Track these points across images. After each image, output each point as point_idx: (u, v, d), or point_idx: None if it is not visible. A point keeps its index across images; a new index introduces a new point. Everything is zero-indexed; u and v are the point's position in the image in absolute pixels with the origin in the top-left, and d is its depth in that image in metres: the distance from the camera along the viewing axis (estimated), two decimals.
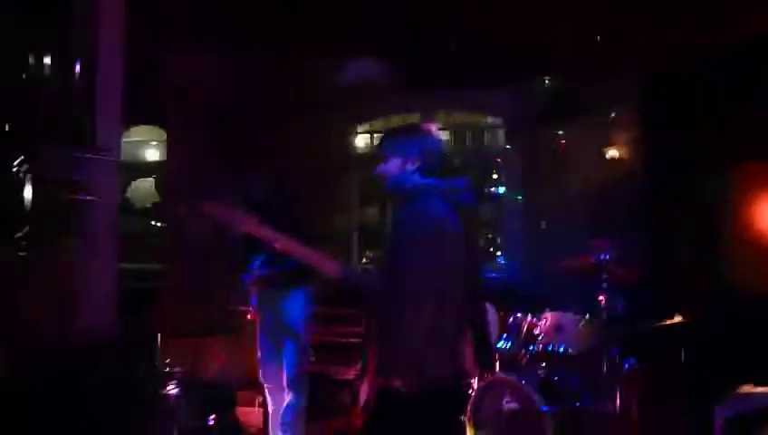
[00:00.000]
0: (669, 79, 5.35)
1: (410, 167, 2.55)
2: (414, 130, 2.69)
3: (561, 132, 6.21)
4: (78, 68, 2.72)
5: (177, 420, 2.56)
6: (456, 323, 2.48)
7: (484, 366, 2.76)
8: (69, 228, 2.63)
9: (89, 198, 2.63)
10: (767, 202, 4.66)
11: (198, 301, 5.27)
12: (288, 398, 3.87)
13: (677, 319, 3.79)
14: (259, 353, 4.00)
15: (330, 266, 3.38)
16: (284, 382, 3.89)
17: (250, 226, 3.13)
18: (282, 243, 3.26)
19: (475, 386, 3.98)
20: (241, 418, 4.66)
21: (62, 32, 2.72)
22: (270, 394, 4.02)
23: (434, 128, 2.70)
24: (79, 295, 2.78)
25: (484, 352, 2.69)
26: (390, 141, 2.66)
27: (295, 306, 3.88)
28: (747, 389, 3.67)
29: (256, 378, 4.13)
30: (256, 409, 4.62)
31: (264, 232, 3.15)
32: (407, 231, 2.46)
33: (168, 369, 3.01)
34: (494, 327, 3.94)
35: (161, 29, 4.78)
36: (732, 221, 4.84)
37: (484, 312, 2.75)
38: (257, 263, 3.82)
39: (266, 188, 3.92)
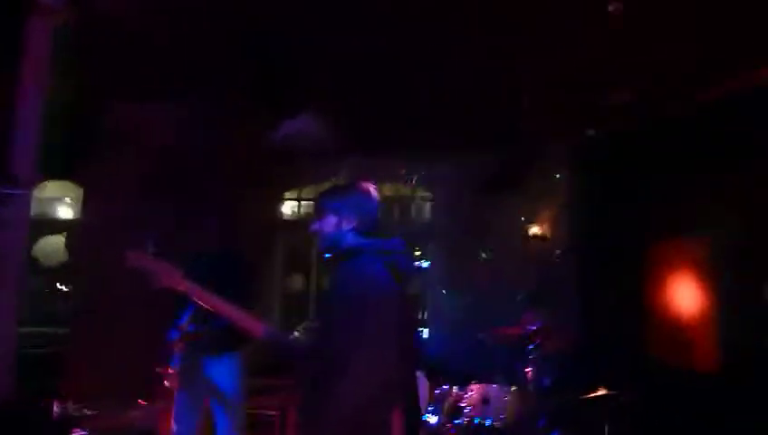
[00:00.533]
0: (599, 153, 5.57)
1: (346, 226, 2.49)
2: (351, 189, 2.62)
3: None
4: None
5: None
6: (391, 390, 2.37)
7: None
8: None
9: None
10: (686, 280, 4.83)
11: (109, 366, 4.91)
12: None
13: (601, 392, 3.81)
14: (175, 427, 3.61)
15: (256, 327, 3.24)
16: None
17: (173, 279, 2.96)
18: (206, 299, 3.10)
19: None
20: None
21: None
22: None
23: (371, 187, 2.65)
24: None
25: (414, 422, 2.58)
26: (327, 199, 2.60)
27: (229, 373, 3.63)
28: None
29: None
30: None
31: (188, 287, 2.99)
32: (341, 292, 2.37)
33: (75, 413, 2.66)
34: (424, 397, 3.83)
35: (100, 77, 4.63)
36: (653, 297, 4.99)
37: (416, 377, 2.65)
38: (186, 318, 3.56)
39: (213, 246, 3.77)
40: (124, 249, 3.12)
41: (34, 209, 7.79)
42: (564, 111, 5.22)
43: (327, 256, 2.57)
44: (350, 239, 2.46)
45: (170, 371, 3.38)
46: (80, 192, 7.01)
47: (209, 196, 5.08)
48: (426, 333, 7.07)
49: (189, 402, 3.65)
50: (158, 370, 3.42)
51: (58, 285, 7.89)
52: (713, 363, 4.42)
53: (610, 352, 4.50)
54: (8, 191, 2.58)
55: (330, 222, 2.51)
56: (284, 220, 7.21)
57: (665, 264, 4.96)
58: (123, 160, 5.25)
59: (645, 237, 5.02)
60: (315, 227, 2.56)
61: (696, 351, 4.58)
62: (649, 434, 4.00)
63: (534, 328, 4.01)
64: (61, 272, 7.79)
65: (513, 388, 3.95)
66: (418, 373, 2.79)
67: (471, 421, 3.89)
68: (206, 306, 3.15)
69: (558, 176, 6.21)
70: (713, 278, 4.56)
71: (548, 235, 6.24)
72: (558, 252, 5.85)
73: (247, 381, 3.76)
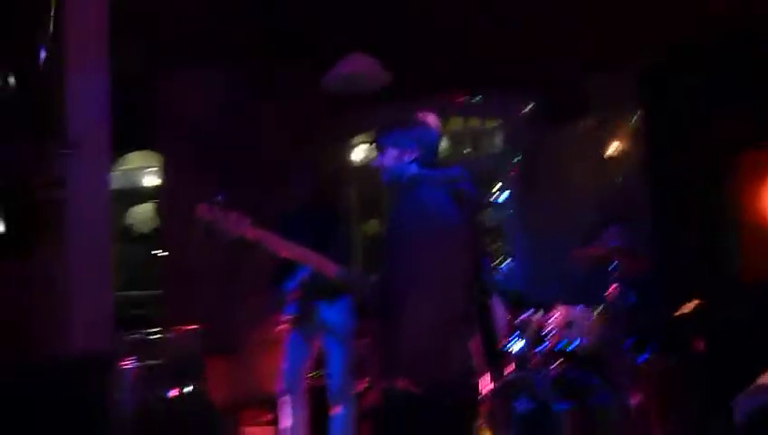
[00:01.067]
0: (668, 72, 5.31)
1: (407, 158, 2.49)
2: (410, 121, 2.61)
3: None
4: (43, 55, 2.65)
5: (135, 391, 2.42)
6: (462, 318, 2.37)
7: (493, 363, 2.64)
8: (46, 230, 2.55)
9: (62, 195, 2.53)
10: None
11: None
12: (337, 409, 3.79)
13: (692, 306, 3.68)
14: (285, 363, 3.86)
15: (328, 268, 3.34)
16: (304, 395, 3.81)
17: (243, 228, 3.06)
18: (277, 245, 3.20)
19: (486, 386, 3.87)
20: None
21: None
22: (289, 407, 3.88)
23: (431, 118, 2.63)
24: (68, 306, 2.68)
25: (493, 347, 2.59)
26: (387, 133, 2.60)
27: (340, 314, 3.78)
28: (766, 379, 3.55)
29: (261, 396, 4.02)
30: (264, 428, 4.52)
31: (258, 234, 3.09)
32: (405, 223, 2.38)
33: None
34: (502, 323, 3.81)
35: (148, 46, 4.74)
36: (736, 209, 4.77)
37: (491, 306, 2.64)
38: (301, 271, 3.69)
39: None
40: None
41: (122, 181, 8.23)
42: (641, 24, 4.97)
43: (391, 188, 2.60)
44: (412, 171, 2.47)
45: (285, 317, 3.57)
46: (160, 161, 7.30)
47: (274, 155, 5.17)
48: (507, 263, 7.03)
49: (300, 342, 3.83)
50: (272, 317, 3.62)
51: (153, 251, 8.32)
52: None
53: (695, 270, 4.33)
54: (67, 151, 2.69)
55: (391, 155, 2.53)
56: (355, 166, 7.24)
57: (744, 177, 4.73)
58: (186, 128, 5.39)
59: (722, 152, 4.79)
60: (377, 161, 2.58)
61: None
62: (744, 351, 3.83)
63: (615, 246, 3.89)
64: (154, 238, 8.20)
65: (598, 309, 3.88)
66: (494, 300, 2.78)
67: (555, 345, 3.86)
68: (278, 252, 3.27)
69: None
70: None
71: (623, 156, 6.00)
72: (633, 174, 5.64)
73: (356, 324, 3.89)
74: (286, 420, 3.90)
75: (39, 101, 2.70)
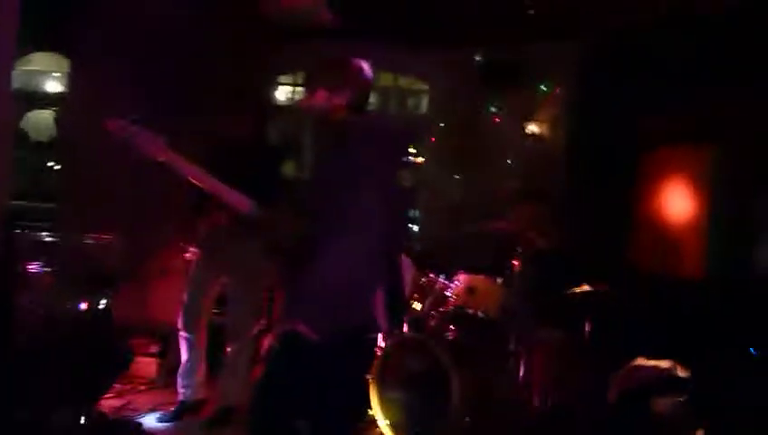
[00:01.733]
0: (607, 55, 5.38)
1: (338, 101, 2.39)
2: (344, 62, 2.50)
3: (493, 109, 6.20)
4: None
5: (44, 301, 2.27)
6: (371, 270, 2.34)
7: (395, 321, 2.63)
8: None
9: None
10: (678, 188, 4.80)
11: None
12: (231, 348, 3.76)
13: (585, 288, 3.84)
14: (186, 297, 3.75)
15: (242, 204, 3.21)
16: (203, 330, 3.74)
17: (156, 149, 2.87)
18: (190, 172, 3.04)
19: (382, 344, 3.92)
20: (134, 367, 4.41)
21: None
22: (186, 342, 3.80)
23: (365, 64, 2.52)
24: None
25: (397, 305, 2.57)
26: (319, 72, 2.48)
27: (250, 252, 3.58)
28: (640, 361, 3.79)
29: (152, 325, 3.89)
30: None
31: (171, 157, 2.91)
32: (330, 169, 2.30)
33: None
34: (408, 279, 3.86)
35: None
36: (643, 203, 4.98)
37: (400, 263, 2.62)
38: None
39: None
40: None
41: (21, 82, 7.62)
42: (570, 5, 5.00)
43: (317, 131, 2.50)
44: (340, 115, 2.38)
45: (192, 250, 3.41)
46: (67, 65, 6.79)
47: (199, 79, 4.91)
48: (417, 225, 7.11)
49: (204, 277, 3.73)
50: (180, 244, 3.45)
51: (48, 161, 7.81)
52: (697, 271, 4.47)
53: (596, 255, 4.52)
54: None
55: (321, 97, 2.41)
56: (278, 106, 7.04)
57: (659, 173, 4.94)
58: (108, 33, 5.01)
59: (641, 145, 4.96)
60: (305, 101, 2.46)
61: (681, 258, 4.62)
62: (626, 335, 4.07)
63: (523, 224, 3.99)
64: (50, 147, 7.69)
65: (500, 280, 3.98)
66: (403, 258, 2.77)
67: (455, 310, 3.94)
68: (190, 179, 3.11)
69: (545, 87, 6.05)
70: (704, 191, 4.54)
71: (545, 134, 6.14)
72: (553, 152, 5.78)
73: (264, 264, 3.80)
74: (183, 355, 3.82)
75: None
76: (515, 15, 5.15)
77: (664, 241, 4.77)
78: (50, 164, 7.74)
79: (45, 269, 2.19)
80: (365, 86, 2.46)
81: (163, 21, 4.92)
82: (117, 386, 4.24)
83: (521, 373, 3.79)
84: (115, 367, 3.64)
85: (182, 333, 3.79)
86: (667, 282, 4.52)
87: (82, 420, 2.24)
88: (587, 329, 3.86)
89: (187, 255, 3.72)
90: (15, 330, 2.23)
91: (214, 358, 3.92)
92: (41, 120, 7.97)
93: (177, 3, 4.83)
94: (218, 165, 3.09)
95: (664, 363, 3.38)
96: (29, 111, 7.94)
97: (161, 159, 2.96)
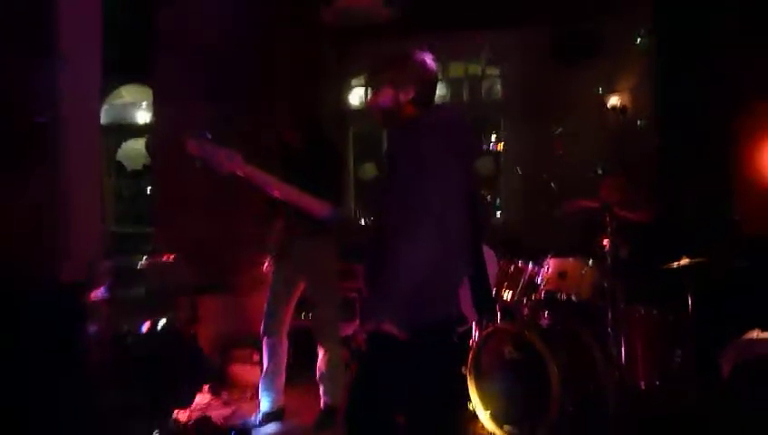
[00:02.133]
0: (677, 17, 5.11)
1: (403, 98, 2.38)
2: (406, 58, 2.47)
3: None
4: None
5: (106, 324, 2.39)
6: (453, 263, 2.32)
7: (484, 312, 2.59)
8: (31, 152, 2.44)
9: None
10: None
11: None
12: (321, 352, 3.80)
13: (684, 261, 3.65)
14: (266, 304, 3.84)
15: (321, 210, 3.27)
16: (284, 337, 3.80)
17: (234, 164, 2.97)
18: (268, 183, 3.13)
19: (476, 335, 3.88)
20: (237, 376, 4.59)
21: None
22: (268, 349, 3.87)
23: (428, 57, 2.49)
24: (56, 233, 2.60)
25: (484, 296, 2.53)
26: (381, 71, 2.48)
27: (326, 254, 3.75)
28: (754, 334, 3.56)
29: (252, 335, 4.01)
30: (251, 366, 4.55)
31: (249, 171, 3.00)
32: (402, 164, 2.29)
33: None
34: (493, 271, 3.79)
35: None
36: (744, 164, 4.68)
37: (483, 254, 2.58)
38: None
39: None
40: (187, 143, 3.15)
41: (113, 115, 8.09)
42: None
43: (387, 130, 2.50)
44: (408, 112, 2.37)
45: (268, 256, 3.52)
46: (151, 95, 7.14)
47: (269, 92, 5.02)
48: (500, 212, 7.01)
49: (281, 282, 3.80)
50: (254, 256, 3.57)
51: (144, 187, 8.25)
52: None
53: (696, 225, 4.28)
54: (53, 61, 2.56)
55: (386, 95, 2.41)
56: (353, 109, 7.11)
57: (757, 129, 4.61)
58: (180, 61, 5.22)
59: (735, 105, 4.63)
60: (372, 101, 2.47)
61: None
62: (734, 307, 3.84)
63: (612, 200, 3.84)
64: (145, 174, 8.13)
65: (591, 261, 3.85)
66: (485, 247, 2.73)
67: (547, 295, 3.85)
68: (270, 190, 3.19)
69: (640, 40, 5.76)
70: None
71: (628, 105, 5.90)
72: (639, 122, 5.52)
73: (337, 264, 3.84)
74: (265, 362, 3.89)
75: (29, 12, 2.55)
76: None
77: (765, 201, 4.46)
78: (146, 188, 8.19)
79: (109, 295, 2.30)
80: (429, 79, 2.44)
81: (233, 42, 5.09)
82: (225, 395, 4.45)
83: (622, 355, 3.64)
84: (196, 379, 3.75)
85: (264, 341, 3.87)
86: None
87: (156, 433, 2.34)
88: (689, 303, 3.67)
89: (265, 266, 3.80)
90: (90, 350, 2.36)
91: (309, 363, 3.98)
92: (134, 150, 8.42)
93: (243, 25, 4.98)
94: (290, 171, 3.16)
95: None
96: (123, 141, 8.41)
97: (240, 173, 3.07)
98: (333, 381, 3.82)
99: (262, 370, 3.95)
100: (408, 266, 2.16)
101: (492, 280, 3.19)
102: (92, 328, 2.30)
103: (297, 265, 3.75)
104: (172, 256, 2.54)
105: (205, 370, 3.88)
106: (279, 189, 3.19)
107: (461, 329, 2.49)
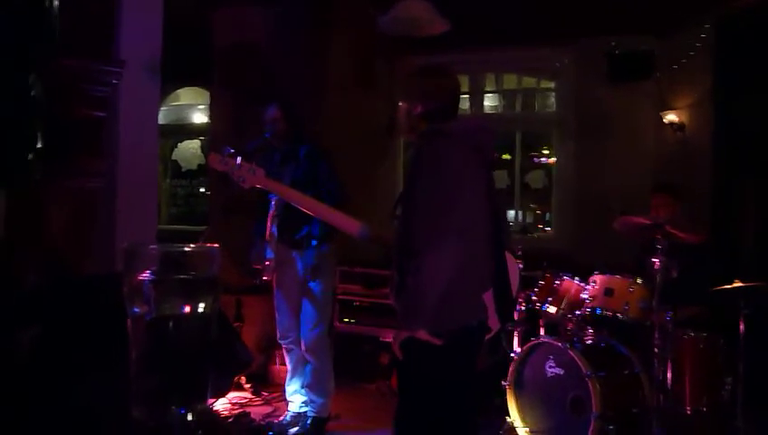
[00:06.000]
0: (743, 33, 4.97)
1: (417, 111, 2.37)
2: (429, 71, 2.44)
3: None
4: None
5: (150, 305, 2.44)
6: (478, 272, 2.31)
7: (506, 318, 2.56)
8: (90, 148, 2.54)
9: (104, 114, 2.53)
10: None
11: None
12: (310, 361, 3.71)
13: (737, 284, 3.53)
14: (276, 312, 3.83)
15: (348, 225, 3.22)
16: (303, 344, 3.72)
17: (256, 179, 3.01)
18: (292, 198, 3.12)
19: (518, 350, 3.84)
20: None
21: None
22: (288, 354, 3.87)
23: (450, 69, 2.47)
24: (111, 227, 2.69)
25: (506, 303, 2.50)
26: (405, 84, 2.49)
27: (315, 265, 3.62)
28: None
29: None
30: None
31: (271, 185, 3.03)
32: (422, 179, 2.28)
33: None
34: (514, 277, 3.72)
35: None
36: None
37: (506, 261, 2.55)
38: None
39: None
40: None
41: (171, 117, 8.31)
42: None
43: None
44: (430, 123, 2.36)
45: (267, 264, 3.44)
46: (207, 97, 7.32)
47: (316, 99, 5.07)
48: (551, 227, 6.91)
49: (283, 290, 3.76)
50: (254, 265, 3.53)
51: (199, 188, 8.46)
52: None
53: (745, 247, 4.13)
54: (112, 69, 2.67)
55: (402, 111, 2.42)
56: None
57: None
58: (236, 65, 5.34)
59: None
60: (397, 113, 2.48)
61: None
62: None
63: (659, 218, 3.75)
64: (200, 175, 8.33)
65: (639, 280, 3.76)
66: (509, 257, 2.70)
67: (592, 312, 3.77)
68: (293, 204, 3.19)
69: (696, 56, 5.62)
70: None
71: (686, 122, 5.76)
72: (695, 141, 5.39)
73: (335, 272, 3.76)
74: (288, 365, 3.89)
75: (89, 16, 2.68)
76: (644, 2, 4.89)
77: None
78: (201, 190, 8.39)
79: (154, 278, 2.36)
80: (444, 92, 2.41)
81: (288, 47, 5.19)
82: (265, 394, 4.52)
83: (668, 378, 3.54)
84: (232, 368, 3.76)
85: (283, 346, 3.86)
86: None
87: (189, 418, 2.39)
88: (741, 329, 3.54)
89: (265, 277, 3.68)
90: (129, 335, 2.44)
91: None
92: (189, 150, 8.64)
93: (298, 29, 5.07)
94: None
95: None
96: (179, 142, 8.64)
97: (263, 187, 3.10)
98: (320, 392, 3.75)
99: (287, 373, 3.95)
100: (437, 276, 2.16)
101: (513, 287, 3.16)
102: (136, 310, 2.37)
103: (294, 274, 3.69)
104: (213, 244, 2.58)
105: (242, 358, 3.90)
106: (303, 204, 3.17)
107: (485, 334, 2.47)
